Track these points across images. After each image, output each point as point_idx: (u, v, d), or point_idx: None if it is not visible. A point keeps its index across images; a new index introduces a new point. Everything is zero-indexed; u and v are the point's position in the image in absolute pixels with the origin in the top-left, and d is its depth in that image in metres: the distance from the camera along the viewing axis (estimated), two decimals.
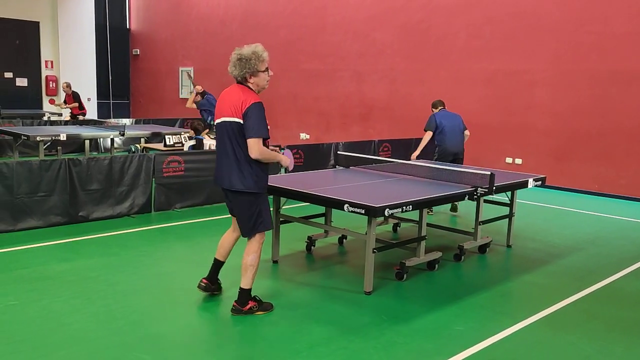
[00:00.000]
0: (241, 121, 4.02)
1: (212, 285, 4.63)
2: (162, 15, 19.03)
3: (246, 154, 4.05)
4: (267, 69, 4.21)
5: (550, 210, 8.79)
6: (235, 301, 4.32)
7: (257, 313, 4.32)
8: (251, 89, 4.16)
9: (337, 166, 6.81)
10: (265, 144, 4.12)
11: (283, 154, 4.43)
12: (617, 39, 9.62)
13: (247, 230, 4.26)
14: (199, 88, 11.38)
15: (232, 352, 3.77)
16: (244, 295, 4.30)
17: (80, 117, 13.98)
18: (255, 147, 4.01)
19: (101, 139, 12.90)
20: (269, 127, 4.27)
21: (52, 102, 16.34)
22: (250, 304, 4.31)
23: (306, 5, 14.57)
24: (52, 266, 5.29)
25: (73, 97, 14.16)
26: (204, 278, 4.63)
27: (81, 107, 14.32)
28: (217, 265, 4.63)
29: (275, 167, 4.50)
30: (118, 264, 5.42)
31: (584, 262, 6.06)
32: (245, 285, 4.28)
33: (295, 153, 9.19)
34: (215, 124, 4.30)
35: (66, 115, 14.97)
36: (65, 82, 14.43)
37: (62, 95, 15.28)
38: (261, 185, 4.18)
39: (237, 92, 4.13)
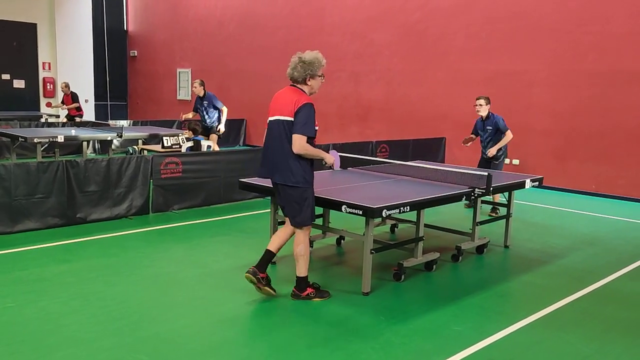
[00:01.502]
0: (293, 119, 4.33)
1: (259, 274, 4.56)
2: (159, 16, 19.03)
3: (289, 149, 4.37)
4: (322, 75, 4.55)
5: (548, 210, 8.81)
6: (295, 287, 4.64)
7: (314, 299, 4.61)
8: (303, 91, 4.48)
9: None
10: (311, 143, 4.38)
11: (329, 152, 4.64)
12: (616, 39, 9.64)
13: (295, 221, 4.53)
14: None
15: (230, 354, 3.77)
16: (301, 282, 4.63)
17: (77, 119, 13.95)
18: (297, 142, 4.30)
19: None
20: (317, 127, 4.48)
21: (49, 105, 16.23)
22: (308, 290, 4.62)
23: (304, 6, 14.59)
24: (50, 268, 5.28)
25: (72, 98, 14.11)
26: (253, 266, 4.61)
27: (79, 108, 14.29)
28: (266, 255, 4.64)
29: (319, 163, 4.70)
30: (116, 265, 5.42)
31: (582, 262, 6.07)
32: (299, 273, 4.60)
33: None
34: (268, 120, 4.55)
35: (63, 116, 14.89)
36: (64, 82, 14.36)
37: (60, 96, 15.25)
38: (309, 180, 4.45)
39: (292, 92, 4.46)
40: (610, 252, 6.46)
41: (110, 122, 13.71)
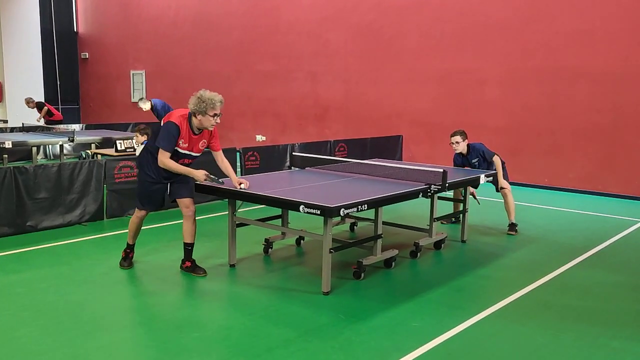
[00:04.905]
0: None
1: (184, 264, 5.34)
2: (111, 17, 18.59)
3: (150, 146, 5.12)
4: (215, 115, 4.88)
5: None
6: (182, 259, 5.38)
7: (120, 265, 5.40)
8: (190, 120, 4.92)
9: (292, 167, 6.79)
10: (176, 158, 4.96)
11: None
12: (562, 37, 9.92)
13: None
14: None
15: None
16: (127, 246, 5.47)
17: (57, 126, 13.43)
18: (159, 156, 4.91)
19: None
20: (186, 150, 5.01)
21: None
22: (123, 253, 5.44)
23: (259, 6, 14.50)
24: None
25: (38, 108, 13.69)
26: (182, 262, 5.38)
27: (51, 113, 13.79)
28: (183, 247, 5.34)
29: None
30: (69, 274, 5.26)
31: (535, 254, 6.23)
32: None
33: (251, 155, 9.16)
34: None
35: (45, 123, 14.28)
36: (26, 99, 13.87)
37: (10, 101, 14.66)
38: (146, 172, 5.07)
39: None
40: (563, 244, 6.65)
41: (59, 126, 13.25)
